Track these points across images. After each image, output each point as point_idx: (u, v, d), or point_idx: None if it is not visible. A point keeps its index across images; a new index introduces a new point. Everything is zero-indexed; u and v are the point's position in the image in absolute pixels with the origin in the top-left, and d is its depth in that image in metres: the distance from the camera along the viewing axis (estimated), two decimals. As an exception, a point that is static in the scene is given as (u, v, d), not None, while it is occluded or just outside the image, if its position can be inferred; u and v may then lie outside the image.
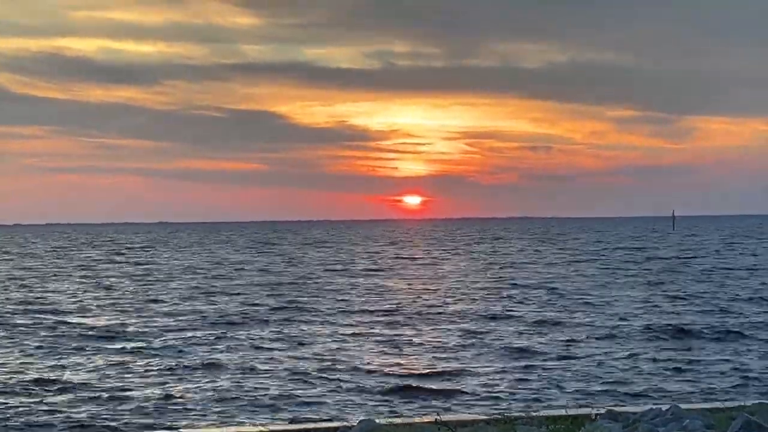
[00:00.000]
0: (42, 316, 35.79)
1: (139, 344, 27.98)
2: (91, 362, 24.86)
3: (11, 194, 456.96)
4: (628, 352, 25.54)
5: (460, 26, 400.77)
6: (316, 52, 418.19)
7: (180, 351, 26.52)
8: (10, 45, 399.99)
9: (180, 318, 34.70)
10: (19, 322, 33.84)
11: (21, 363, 24.81)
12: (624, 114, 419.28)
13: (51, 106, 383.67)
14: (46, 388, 21.35)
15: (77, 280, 56.34)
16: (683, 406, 12.40)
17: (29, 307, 39.34)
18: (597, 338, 28.39)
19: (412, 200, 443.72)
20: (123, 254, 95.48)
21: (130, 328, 31.73)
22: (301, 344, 27.75)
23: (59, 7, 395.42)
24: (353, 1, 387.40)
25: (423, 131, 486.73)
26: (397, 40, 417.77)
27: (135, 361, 24.82)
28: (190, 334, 30.12)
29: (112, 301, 41.95)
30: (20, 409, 19.22)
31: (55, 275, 60.95)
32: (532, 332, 29.91)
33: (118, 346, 27.85)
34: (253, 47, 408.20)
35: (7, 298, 43.40)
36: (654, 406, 12.75)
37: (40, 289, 48.80)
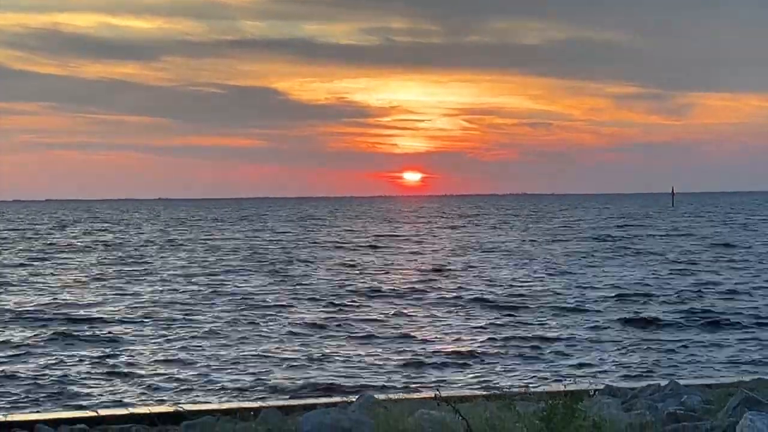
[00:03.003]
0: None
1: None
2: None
3: (10, 170, 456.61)
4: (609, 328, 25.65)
5: (459, 3, 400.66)
6: (315, 28, 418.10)
7: (176, 322, 26.62)
8: (8, 21, 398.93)
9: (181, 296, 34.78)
10: None
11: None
12: (623, 90, 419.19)
13: (49, 82, 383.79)
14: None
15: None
16: (681, 382, 12.46)
17: None
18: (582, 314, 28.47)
19: (412, 177, 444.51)
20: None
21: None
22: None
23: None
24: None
25: (422, 108, 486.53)
26: (396, 16, 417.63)
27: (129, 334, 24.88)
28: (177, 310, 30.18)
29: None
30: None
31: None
32: (516, 311, 29.95)
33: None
34: (252, 23, 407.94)
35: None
36: (652, 382, 12.81)
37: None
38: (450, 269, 44.11)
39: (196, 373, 20.20)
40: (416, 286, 36.87)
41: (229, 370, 20.46)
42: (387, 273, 42.82)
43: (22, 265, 48.86)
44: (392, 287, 36.42)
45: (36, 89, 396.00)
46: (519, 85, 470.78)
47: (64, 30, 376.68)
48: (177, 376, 19.95)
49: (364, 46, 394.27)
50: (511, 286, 36.19)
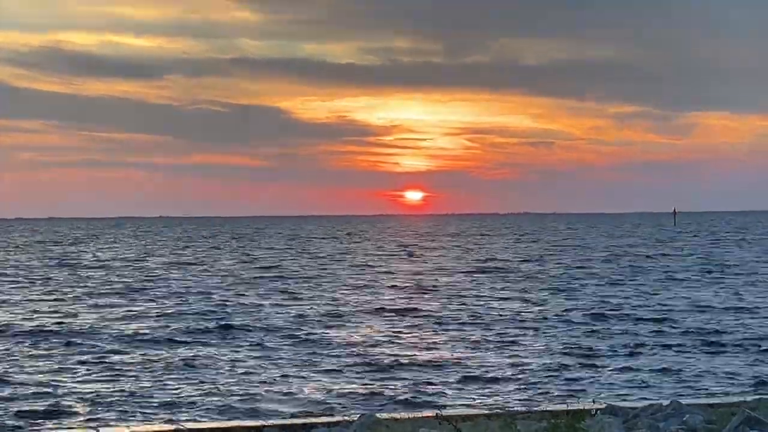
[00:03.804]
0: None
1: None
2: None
3: (12, 188, 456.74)
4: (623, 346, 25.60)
5: (461, 22, 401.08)
6: (316, 47, 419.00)
7: (174, 343, 26.58)
8: (11, 39, 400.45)
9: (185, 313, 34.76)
10: None
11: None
12: (624, 110, 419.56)
13: (52, 100, 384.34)
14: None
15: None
16: (683, 401, 12.42)
17: None
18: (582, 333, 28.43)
19: (414, 196, 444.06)
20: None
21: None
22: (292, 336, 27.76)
23: (60, 1, 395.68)
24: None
25: (424, 127, 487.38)
26: (397, 36, 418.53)
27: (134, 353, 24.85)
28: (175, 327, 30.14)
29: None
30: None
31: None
32: (523, 326, 29.90)
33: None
34: (254, 42, 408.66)
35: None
36: (654, 402, 12.78)
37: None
38: (450, 287, 44.11)
39: (198, 391, 20.17)
40: (411, 305, 36.86)
41: (231, 389, 20.43)
42: (389, 289, 42.82)
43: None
44: (392, 306, 36.38)
45: (38, 107, 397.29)
46: (520, 105, 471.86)
47: (66, 48, 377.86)
48: (177, 394, 19.92)
49: (366, 66, 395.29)
50: (518, 303, 36.19)
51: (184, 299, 39.28)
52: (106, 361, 23.97)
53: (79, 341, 27.13)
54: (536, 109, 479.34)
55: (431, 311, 34.47)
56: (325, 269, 58.32)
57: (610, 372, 22.18)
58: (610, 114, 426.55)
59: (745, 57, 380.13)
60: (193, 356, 24.49)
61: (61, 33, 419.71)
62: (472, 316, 32.91)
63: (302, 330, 29.39)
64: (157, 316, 33.10)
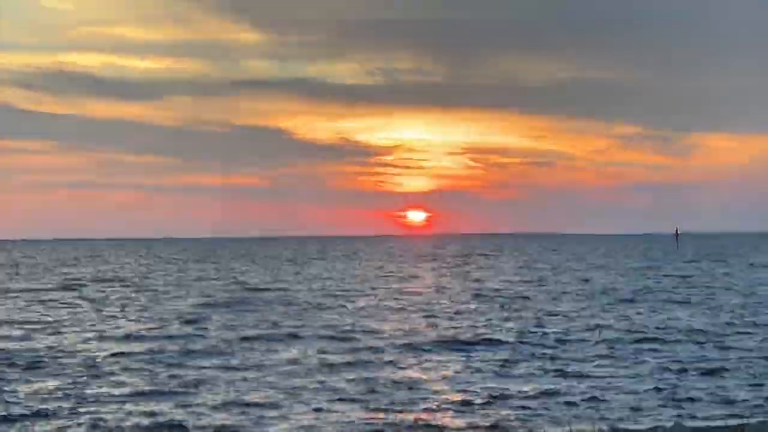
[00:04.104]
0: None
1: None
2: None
3: (17, 209, 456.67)
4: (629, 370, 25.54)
5: (463, 43, 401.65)
6: (319, 68, 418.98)
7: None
8: (15, 60, 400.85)
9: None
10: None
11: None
12: (627, 131, 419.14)
13: (56, 121, 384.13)
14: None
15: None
16: (687, 423, 12.44)
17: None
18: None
19: (416, 215, 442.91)
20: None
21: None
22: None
23: (64, 23, 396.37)
24: (356, 18, 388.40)
25: (426, 146, 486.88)
26: (399, 56, 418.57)
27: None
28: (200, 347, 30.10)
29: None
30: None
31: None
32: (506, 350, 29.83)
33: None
34: (257, 63, 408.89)
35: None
36: (658, 424, 12.79)
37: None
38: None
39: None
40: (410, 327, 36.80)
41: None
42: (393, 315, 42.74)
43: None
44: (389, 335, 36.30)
45: (41, 128, 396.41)
46: (523, 125, 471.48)
47: (69, 69, 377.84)
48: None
49: (368, 86, 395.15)
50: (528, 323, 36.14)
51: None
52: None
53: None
54: (538, 129, 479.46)
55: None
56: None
57: (613, 394, 22.14)
58: (612, 134, 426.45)
59: (747, 78, 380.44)
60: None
61: (65, 54, 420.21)
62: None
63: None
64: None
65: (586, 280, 65.97)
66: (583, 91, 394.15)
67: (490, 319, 38.96)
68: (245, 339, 32.35)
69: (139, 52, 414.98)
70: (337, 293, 54.77)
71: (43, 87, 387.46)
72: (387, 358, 28.09)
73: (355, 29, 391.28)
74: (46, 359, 27.85)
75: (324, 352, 29.03)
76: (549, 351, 29.25)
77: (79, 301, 50.36)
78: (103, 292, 58.11)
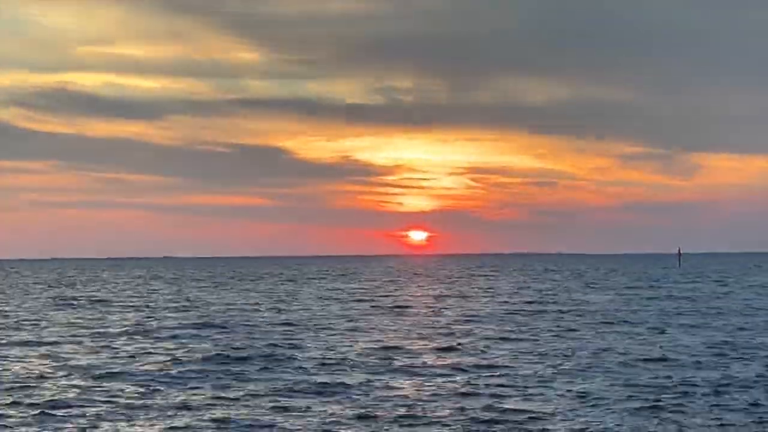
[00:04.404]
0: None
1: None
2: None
3: (16, 229, 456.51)
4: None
5: (464, 62, 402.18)
6: (320, 87, 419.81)
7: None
8: (15, 80, 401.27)
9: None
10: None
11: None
12: (628, 150, 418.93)
13: (56, 140, 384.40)
14: None
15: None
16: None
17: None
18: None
19: (417, 235, 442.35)
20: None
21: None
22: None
23: (64, 42, 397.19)
24: (357, 37, 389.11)
25: (427, 166, 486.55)
26: (400, 75, 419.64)
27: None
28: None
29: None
30: None
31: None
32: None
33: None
34: (257, 82, 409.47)
35: None
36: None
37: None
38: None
39: None
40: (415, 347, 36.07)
41: None
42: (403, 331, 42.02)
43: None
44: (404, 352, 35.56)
45: (42, 148, 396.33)
46: (524, 144, 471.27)
47: (70, 89, 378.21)
48: None
49: (369, 105, 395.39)
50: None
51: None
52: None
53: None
54: (540, 148, 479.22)
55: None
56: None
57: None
58: (614, 154, 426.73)
59: (749, 98, 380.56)
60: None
61: (65, 74, 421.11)
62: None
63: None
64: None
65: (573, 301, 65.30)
66: (584, 111, 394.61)
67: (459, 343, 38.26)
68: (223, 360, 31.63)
69: (139, 71, 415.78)
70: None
71: (43, 106, 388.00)
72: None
73: (355, 48, 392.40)
74: None
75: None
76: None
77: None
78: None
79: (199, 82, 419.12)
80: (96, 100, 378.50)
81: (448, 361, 32.15)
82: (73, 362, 32.32)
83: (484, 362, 31.87)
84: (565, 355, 33.44)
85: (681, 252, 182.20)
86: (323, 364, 31.29)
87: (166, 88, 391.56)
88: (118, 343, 39.11)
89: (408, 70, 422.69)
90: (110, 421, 21.55)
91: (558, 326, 45.42)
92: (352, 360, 32.56)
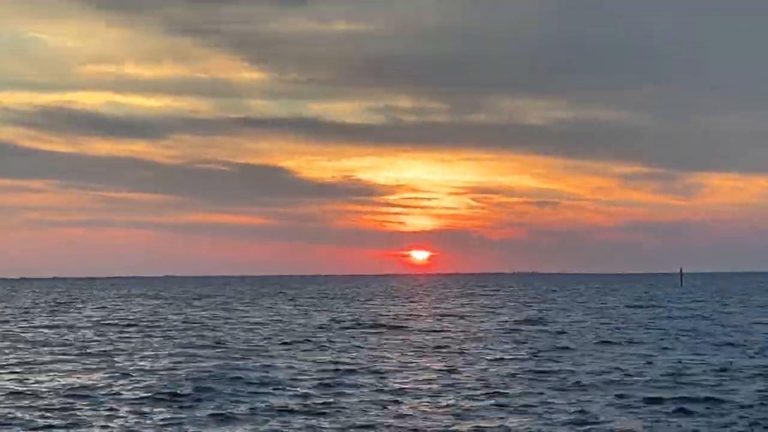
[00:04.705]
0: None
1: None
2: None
3: (17, 248, 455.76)
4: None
5: (465, 82, 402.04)
6: (321, 107, 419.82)
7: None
8: (17, 99, 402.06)
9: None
10: None
11: None
12: (630, 170, 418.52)
13: (58, 159, 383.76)
14: None
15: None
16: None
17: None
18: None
19: (419, 255, 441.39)
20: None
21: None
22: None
23: (66, 61, 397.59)
24: (358, 57, 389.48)
25: (429, 186, 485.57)
26: (402, 95, 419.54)
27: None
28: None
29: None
30: None
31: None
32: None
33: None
34: (259, 102, 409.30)
35: None
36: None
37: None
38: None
39: None
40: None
41: None
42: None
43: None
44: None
45: (44, 167, 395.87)
46: (525, 164, 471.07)
47: (72, 108, 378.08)
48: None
49: (371, 125, 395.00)
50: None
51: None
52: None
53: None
54: (541, 168, 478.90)
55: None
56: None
57: None
58: (615, 174, 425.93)
59: (752, 118, 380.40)
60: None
61: (67, 93, 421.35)
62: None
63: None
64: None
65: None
66: (586, 131, 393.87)
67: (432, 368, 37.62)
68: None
69: (141, 90, 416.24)
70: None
71: (45, 125, 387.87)
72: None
73: (357, 68, 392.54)
74: None
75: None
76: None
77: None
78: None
79: (201, 102, 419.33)
80: (98, 119, 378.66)
81: (444, 381, 31.58)
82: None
83: (481, 382, 31.30)
84: (563, 375, 32.87)
85: (683, 272, 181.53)
86: (317, 385, 30.74)
87: (168, 107, 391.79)
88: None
89: (409, 90, 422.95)
90: None
91: (555, 345, 44.84)
92: (344, 379, 31.99)
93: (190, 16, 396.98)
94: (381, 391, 29.31)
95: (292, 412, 25.33)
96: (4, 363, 38.22)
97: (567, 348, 43.48)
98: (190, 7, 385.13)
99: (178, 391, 28.78)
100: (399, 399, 27.59)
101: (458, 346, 45.01)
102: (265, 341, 48.20)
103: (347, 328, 58.98)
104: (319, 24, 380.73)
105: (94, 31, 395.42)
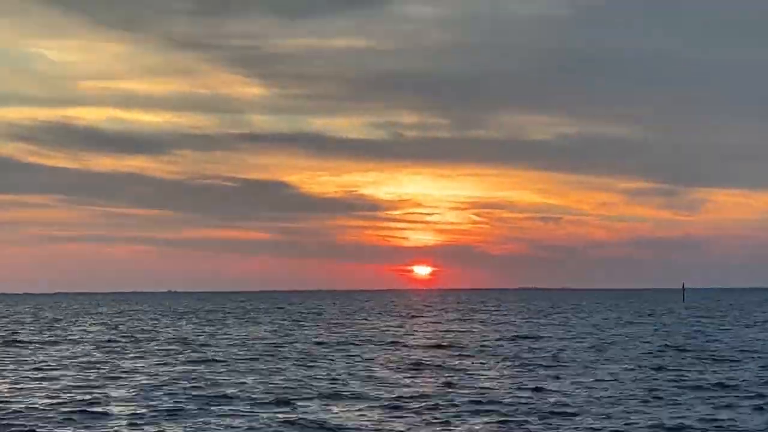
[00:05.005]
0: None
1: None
2: None
3: (19, 263, 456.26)
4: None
5: (468, 97, 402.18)
6: (324, 122, 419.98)
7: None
8: (19, 114, 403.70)
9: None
10: None
11: None
12: (634, 186, 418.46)
13: (59, 175, 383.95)
14: None
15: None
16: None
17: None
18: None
19: (422, 270, 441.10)
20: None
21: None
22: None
23: (68, 77, 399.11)
24: (361, 72, 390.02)
25: (432, 201, 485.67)
26: (405, 110, 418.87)
27: None
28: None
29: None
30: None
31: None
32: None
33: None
34: (261, 117, 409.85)
35: None
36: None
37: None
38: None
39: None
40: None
41: None
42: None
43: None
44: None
45: (46, 182, 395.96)
46: (528, 179, 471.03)
47: (75, 123, 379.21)
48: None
49: (374, 140, 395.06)
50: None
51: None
52: None
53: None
54: (544, 183, 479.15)
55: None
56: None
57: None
58: (618, 189, 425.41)
59: (756, 133, 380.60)
60: None
61: (69, 108, 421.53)
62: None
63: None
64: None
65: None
66: (589, 146, 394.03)
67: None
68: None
69: (143, 106, 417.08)
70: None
71: (47, 141, 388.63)
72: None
73: (359, 84, 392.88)
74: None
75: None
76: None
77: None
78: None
79: (203, 117, 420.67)
80: (100, 134, 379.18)
81: (444, 395, 31.74)
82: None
83: (482, 397, 31.47)
84: (564, 391, 33.04)
85: (685, 287, 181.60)
86: (314, 398, 30.94)
87: (170, 123, 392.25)
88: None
89: (412, 105, 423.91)
90: None
91: (557, 362, 44.99)
92: (341, 393, 32.17)
93: (192, 31, 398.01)
94: (378, 405, 29.55)
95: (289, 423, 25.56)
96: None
97: (569, 364, 43.61)
98: (192, 22, 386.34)
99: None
100: (388, 417, 27.81)
101: (458, 361, 45.20)
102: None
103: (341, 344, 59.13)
104: (320, 40, 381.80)
105: (95, 47, 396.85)
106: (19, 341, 64.54)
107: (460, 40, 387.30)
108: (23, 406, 29.68)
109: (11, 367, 44.02)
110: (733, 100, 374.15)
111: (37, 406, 29.72)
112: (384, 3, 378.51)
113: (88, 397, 31.97)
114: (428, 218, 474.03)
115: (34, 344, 61.22)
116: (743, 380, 36.49)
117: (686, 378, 37.43)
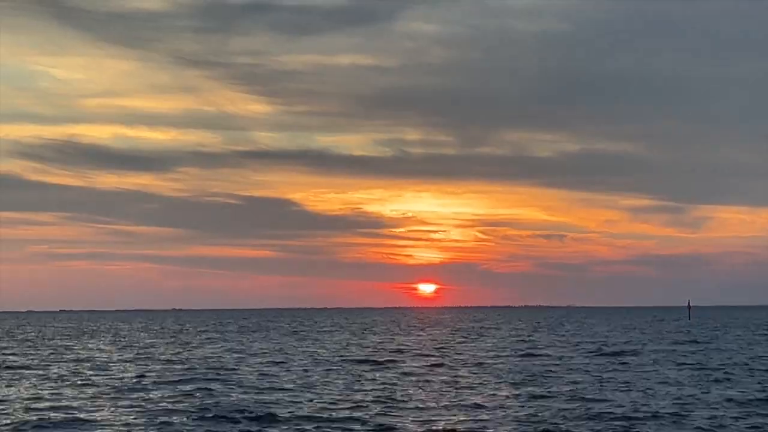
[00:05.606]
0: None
1: None
2: None
3: (24, 281, 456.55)
4: None
5: (472, 115, 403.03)
6: (328, 139, 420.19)
7: None
8: (24, 132, 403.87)
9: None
10: None
11: None
12: (638, 203, 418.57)
13: (64, 192, 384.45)
14: None
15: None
16: None
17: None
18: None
19: (427, 288, 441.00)
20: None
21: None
22: None
23: (73, 95, 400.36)
24: (365, 90, 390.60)
25: (436, 219, 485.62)
26: (409, 127, 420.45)
27: None
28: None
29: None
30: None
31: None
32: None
33: None
34: (266, 134, 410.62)
35: None
36: None
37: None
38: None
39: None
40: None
41: None
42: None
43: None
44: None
45: (51, 200, 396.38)
46: (533, 197, 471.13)
47: (79, 141, 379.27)
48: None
49: (378, 158, 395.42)
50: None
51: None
52: None
53: None
54: (549, 201, 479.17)
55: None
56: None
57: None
58: (623, 207, 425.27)
59: (759, 151, 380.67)
60: None
61: (75, 126, 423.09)
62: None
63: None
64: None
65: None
66: (594, 163, 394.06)
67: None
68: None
69: (148, 124, 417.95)
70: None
71: (53, 158, 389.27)
72: None
73: (364, 101, 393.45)
74: None
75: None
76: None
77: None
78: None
79: (208, 134, 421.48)
80: (105, 152, 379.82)
81: (452, 405, 31.57)
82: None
83: (485, 405, 31.29)
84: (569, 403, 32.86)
85: (691, 305, 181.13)
86: (312, 418, 30.79)
87: (176, 140, 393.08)
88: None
89: (416, 122, 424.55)
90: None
91: (562, 381, 44.81)
92: (342, 411, 32.01)
93: (197, 49, 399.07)
94: (378, 422, 29.39)
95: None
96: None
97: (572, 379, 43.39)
98: (197, 40, 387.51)
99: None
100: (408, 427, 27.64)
101: (466, 375, 45.02)
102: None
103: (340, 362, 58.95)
104: (326, 57, 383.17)
105: (101, 64, 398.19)
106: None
107: (465, 58, 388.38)
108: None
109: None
110: (737, 117, 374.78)
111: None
112: (389, 20, 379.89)
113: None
114: (433, 236, 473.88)
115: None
116: None
117: None
